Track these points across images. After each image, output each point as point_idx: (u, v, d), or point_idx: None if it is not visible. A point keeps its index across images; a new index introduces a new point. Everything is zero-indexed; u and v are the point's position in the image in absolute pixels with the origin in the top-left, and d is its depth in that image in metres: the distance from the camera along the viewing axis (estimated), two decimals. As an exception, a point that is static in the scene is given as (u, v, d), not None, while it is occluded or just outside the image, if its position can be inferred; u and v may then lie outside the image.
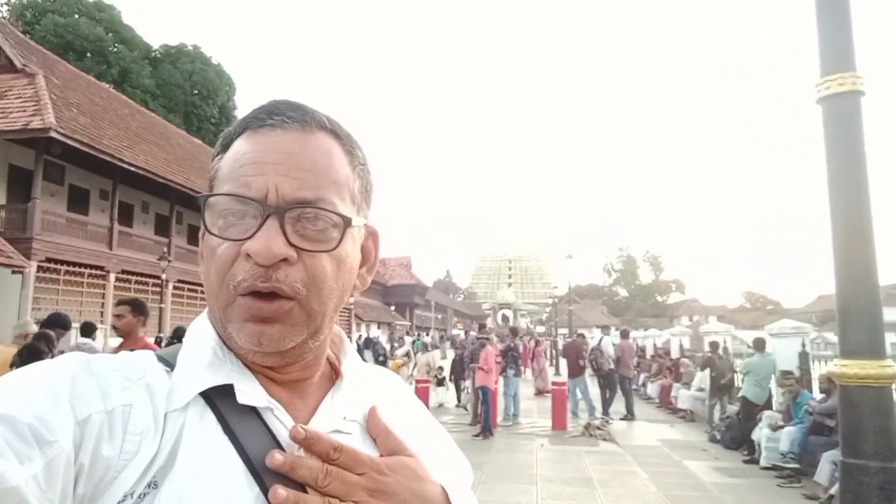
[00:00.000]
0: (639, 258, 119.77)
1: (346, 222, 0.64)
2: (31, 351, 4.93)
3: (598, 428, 11.00)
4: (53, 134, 15.16)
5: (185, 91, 40.59)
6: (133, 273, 20.74)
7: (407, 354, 17.80)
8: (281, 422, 0.64)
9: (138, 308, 4.18)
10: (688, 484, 7.49)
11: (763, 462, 8.14)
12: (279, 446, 0.62)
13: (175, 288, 23.12)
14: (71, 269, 18.08)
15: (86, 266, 18.64)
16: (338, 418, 0.68)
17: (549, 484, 7.30)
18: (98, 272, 19.22)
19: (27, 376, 0.56)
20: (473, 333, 15.42)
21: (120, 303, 4.29)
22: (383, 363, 17.46)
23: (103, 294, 19.49)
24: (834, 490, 6.18)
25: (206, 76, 42.21)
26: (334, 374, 0.73)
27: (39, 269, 16.51)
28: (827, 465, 6.54)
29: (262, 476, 0.59)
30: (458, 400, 14.02)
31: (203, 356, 0.65)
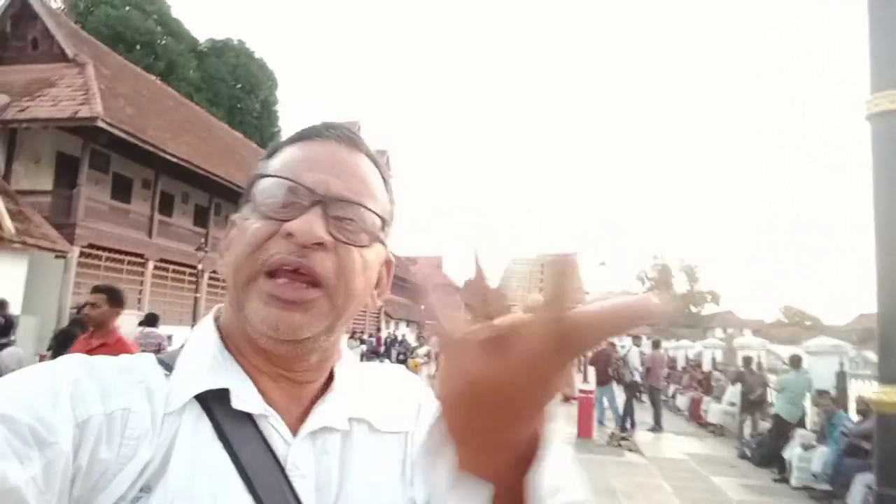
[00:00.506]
0: (673, 267, 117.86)
1: (384, 224, 0.69)
2: (67, 336, 5.07)
3: (624, 438, 10.86)
4: (100, 123, 15.57)
5: (229, 85, 41.34)
6: (171, 262, 21.20)
7: (428, 354, 17.40)
8: (276, 430, 0.64)
9: (115, 297, 3.85)
10: (714, 500, 7.36)
11: (794, 482, 7.93)
12: (273, 455, 0.62)
13: (210, 279, 23.57)
14: (112, 255, 18.56)
15: (126, 253, 19.11)
16: (327, 416, 0.67)
17: (572, 492, 7.24)
18: (137, 259, 19.69)
19: (28, 377, 0.57)
20: None
21: (96, 289, 3.88)
22: (403, 361, 17.41)
23: (142, 281, 19.95)
24: (867, 515, 6.01)
25: (249, 70, 42.92)
26: (329, 376, 0.73)
27: (82, 254, 16.98)
28: (860, 487, 6.36)
29: (256, 485, 0.59)
30: None
31: (202, 359, 0.65)
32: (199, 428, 0.60)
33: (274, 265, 0.62)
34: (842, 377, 9.09)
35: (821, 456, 7.50)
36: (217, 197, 23.58)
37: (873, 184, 2.42)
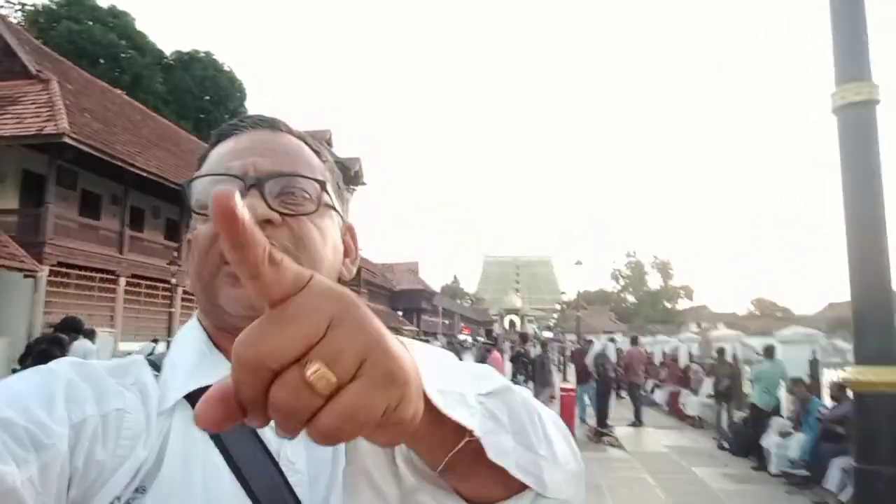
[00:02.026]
0: (647, 264, 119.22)
1: (322, 185, 0.68)
2: (45, 356, 4.98)
3: (606, 434, 10.98)
4: (67, 139, 15.30)
5: (197, 97, 40.89)
6: (143, 277, 20.87)
7: None
8: (268, 425, 0.64)
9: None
10: (696, 491, 7.48)
11: (773, 469, 8.10)
12: (265, 450, 0.62)
13: (185, 293, 23.24)
14: (82, 273, 18.21)
15: (97, 270, 18.76)
16: None
17: (557, 489, 7.29)
18: (109, 276, 19.34)
19: (23, 380, 0.58)
20: (481, 339, 15.51)
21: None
22: None
23: (113, 298, 19.62)
24: (843, 497, 6.17)
25: (217, 82, 42.50)
26: None
27: (51, 273, 16.65)
28: (837, 471, 6.52)
29: (249, 481, 0.59)
30: None
31: (190, 358, 0.66)
32: (191, 426, 0.60)
33: None
34: (815, 365, 9.32)
35: (797, 442, 7.68)
36: (189, 210, 23.20)
37: (841, 176, 2.53)
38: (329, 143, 50.68)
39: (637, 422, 12.64)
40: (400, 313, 54.45)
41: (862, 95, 2.39)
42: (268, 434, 0.63)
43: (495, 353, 11.31)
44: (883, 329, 2.32)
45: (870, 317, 2.34)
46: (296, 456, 0.63)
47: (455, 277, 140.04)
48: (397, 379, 0.36)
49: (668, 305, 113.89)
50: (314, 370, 0.33)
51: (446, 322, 69.80)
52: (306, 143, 0.74)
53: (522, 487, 0.54)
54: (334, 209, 0.72)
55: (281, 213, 0.64)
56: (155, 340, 19.57)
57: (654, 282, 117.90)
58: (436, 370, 0.47)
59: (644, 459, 9.31)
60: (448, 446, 0.49)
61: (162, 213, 23.42)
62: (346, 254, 0.74)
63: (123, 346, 18.13)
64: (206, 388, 0.58)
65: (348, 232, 0.76)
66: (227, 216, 0.32)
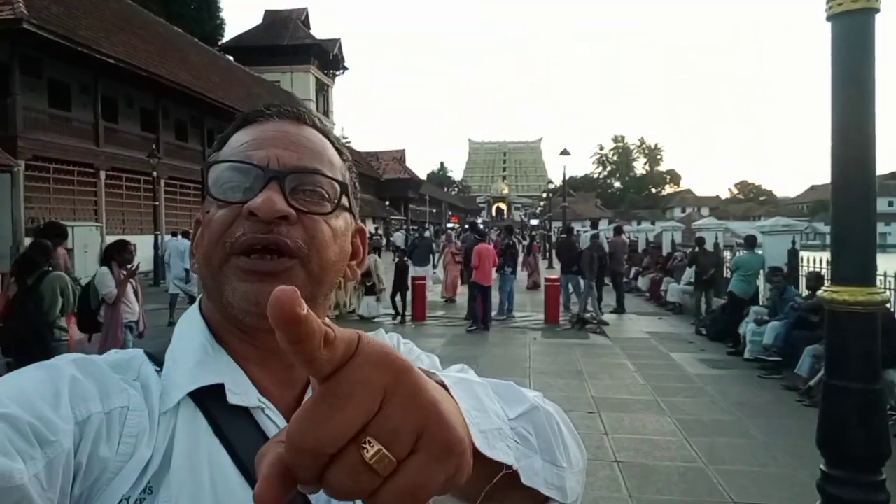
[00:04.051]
0: (634, 148, 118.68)
1: (343, 188, 0.68)
2: (27, 263, 4.94)
3: (588, 322, 11.35)
4: (26, 25, 14.43)
5: (162, -26, 38.21)
6: (123, 170, 20.50)
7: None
8: (272, 420, 0.64)
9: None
10: (673, 375, 7.85)
11: (746, 354, 8.48)
12: None
13: (167, 185, 22.94)
14: (60, 167, 17.82)
15: (74, 164, 18.36)
16: None
17: (541, 376, 7.64)
18: (88, 170, 18.97)
19: (28, 376, 0.57)
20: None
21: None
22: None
23: (95, 192, 19.35)
24: (813, 382, 6.49)
25: (182, -43, 39.63)
26: None
27: (28, 167, 16.27)
28: (808, 358, 6.81)
29: (257, 479, 0.60)
30: (396, 315, 12.12)
31: (192, 354, 0.65)
32: (196, 425, 0.61)
33: (243, 246, 0.62)
34: (793, 254, 9.52)
35: (772, 329, 7.98)
36: (164, 99, 22.45)
37: (832, 86, 2.41)
38: (306, 23, 48.35)
39: (619, 309, 13.04)
40: (387, 203, 54.47)
41: (860, 3, 2.24)
42: (272, 430, 0.63)
43: (481, 246, 11.42)
44: (862, 249, 2.32)
45: (849, 239, 2.33)
46: None
47: (442, 164, 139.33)
48: (454, 449, 0.36)
49: (654, 191, 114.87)
50: (374, 453, 0.33)
51: (433, 211, 70.06)
52: (330, 139, 0.73)
53: (547, 498, 0.56)
54: (349, 211, 0.71)
55: (298, 211, 0.63)
56: (174, 234, 19.32)
57: (640, 167, 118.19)
58: (474, 408, 0.47)
59: (625, 346, 9.69)
60: (485, 480, 0.49)
61: (136, 103, 22.58)
62: (354, 256, 0.74)
63: (111, 240, 18.09)
64: (210, 387, 0.62)
65: (358, 234, 0.75)
66: (289, 322, 0.33)
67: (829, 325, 2.42)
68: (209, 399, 0.62)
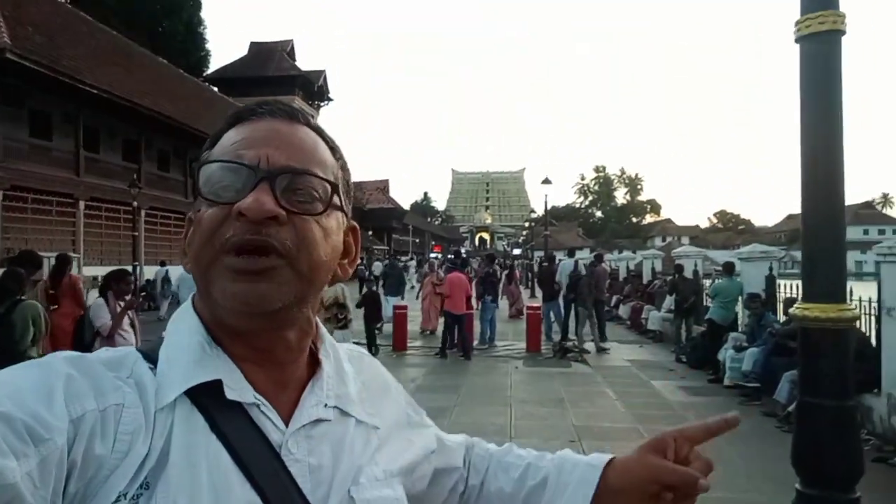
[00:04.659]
0: (615, 179, 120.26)
1: (334, 188, 0.67)
2: (2, 290, 4.86)
3: (570, 350, 11.34)
4: (9, 55, 14.42)
5: (147, 8, 38.54)
6: (103, 200, 20.35)
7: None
8: (268, 418, 0.65)
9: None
10: (654, 403, 7.85)
11: (726, 381, 8.50)
12: (268, 443, 0.63)
13: (148, 215, 22.78)
14: (38, 196, 17.65)
15: (54, 194, 18.20)
16: (319, 408, 0.69)
17: (522, 405, 7.59)
18: (67, 200, 18.80)
19: (21, 374, 0.57)
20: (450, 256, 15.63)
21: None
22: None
23: (74, 223, 19.15)
24: (791, 408, 6.50)
25: (167, -10, 39.99)
26: (313, 361, 0.73)
27: (6, 197, 16.11)
28: (786, 383, 6.84)
29: (254, 474, 0.60)
30: (370, 349, 10.78)
31: (189, 351, 0.65)
32: (193, 422, 0.61)
33: (233, 247, 0.62)
34: (771, 281, 9.63)
35: (750, 356, 8.02)
36: (147, 129, 22.43)
37: (801, 107, 2.48)
38: (291, 55, 48.80)
39: (601, 337, 13.02)
40: (370, 233, 54.44)
41: (827, 25, 2.32)
42: (268, 428, 0.64)
43: (452, 275, 11.47)
44: (833, 267, 2.37)
45: (820, 257, 2.38)
46: (296, 448, 0.65)
47: (425, 194, 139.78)
48: None
49: (635, 220, 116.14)
50: None
51: (417, 240, 70.13)
52: (322, 137, 0.72)
53: None
54: (341, 210, 0.71)
55: (288, 211, 0.63)
56: (162, 263, 19.28)
57: (621, 197, 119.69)
58: None
59: (606, 374, 9.69)
60: None
61: (118, 133, 22.51)
62: (346, 254, 0.74)
63: (88, 271, 17.86)
64: (206, 384, 0.62)
65: (351, 233, 0.75)
66: None
67: (802, 342, 2.45)
68: (206, 397, 0.62)
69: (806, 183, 2.41)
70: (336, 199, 0.68)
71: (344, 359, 0.77)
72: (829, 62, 2.39)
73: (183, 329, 0.67)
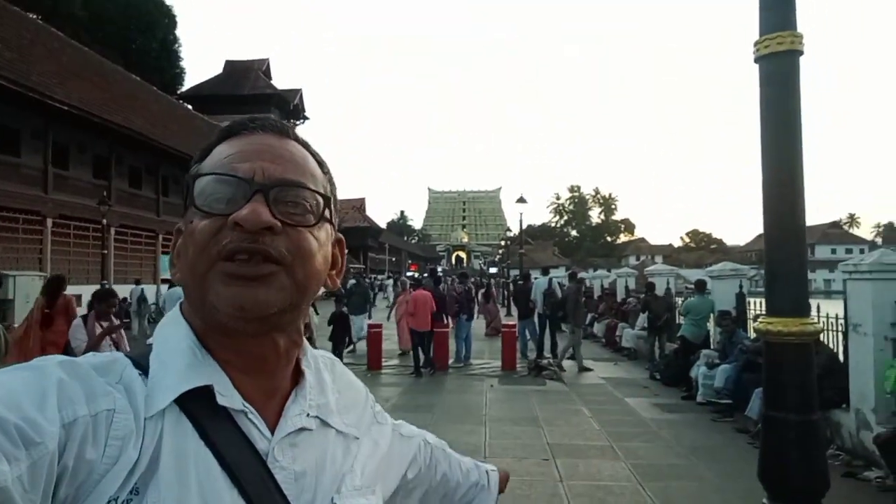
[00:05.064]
0: (589, 198, 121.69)
1: (326, 201, 0.70)
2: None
3: (545, 368, 11.33)
4: (-25, 70, 14.18)
5: (121, 25, 38.29)
6: (72, 218, 19.98)
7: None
8: (255, 425, 0.66)
9: None
10: (628, 420, 7.85)
11: (699, 398, 8.55)
12: (255, 451, 0.64)
13: (118, 233, 22.40)
14: (4, 214, 17.27)
15: (20, 211, 17.83)
16: (302, 417, 0.71)
17: (497, 424, 7.54)
18: (34, 217, 18.43)
19: (14, 377, 0.57)
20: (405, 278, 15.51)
21: None
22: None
23: (41, 240, 18.75)
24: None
25: (142, 8, 39.84)
26: (296, 371, 0.75)
27: (-31, 214, 15.72)
28: (758, 400, 6.89)
29: (242, 481, 0.62)
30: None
31: (181, 356, 0.65)
32: (182, 428, 0.62)
33: (229, 252, 0.63)
34: (741, 298, 9.76)
35: (722, 372, 8.09)
36: (118, 146, 22.14)
37: (761, 126, 2.53)
38: (267, 73, 48.75)
39: (574, 356, 13.03)
40: (346, 251, 54.12)
41: (785, 45, 2.38)
42: (254, 435, 0.65)
43: (417, 292, 11.48)
44: (794, 282, 2.40)
45: (782, 271, 2.41)
46: (282, 455, 0.66)
47: (402, 213, 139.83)
48: None
49: (610, 239, 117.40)
50: None
51: (393, 259, 69.92)
52: (311, 153, 0.75)
53: None
54: (330, 222, 0.73)
55: (283, 223, 0.65)
56: (137, 281, 19.03)
57: (596, 216, 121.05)
58: None
59: (581, 392, 9.69)
60: None
61: (88, 150, 22.17)
62: (333, 265, 0.76)
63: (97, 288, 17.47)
64: (193, 390, 0.63)
65: (338, 245, 0.78)
66: None
67: (766, 356, 2.47)
68: (194, 403, 0.63)
69: (767, 197, 2.45)
70: (327, 212, 0.71)
71: (322, 368, 0.80)
72: (788, 81, 2.44)
73: (173, 335, 0.68)
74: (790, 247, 2.39)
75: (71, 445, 0.55)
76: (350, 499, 0.72)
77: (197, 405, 0.63)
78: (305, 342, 0.77)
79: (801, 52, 2.44)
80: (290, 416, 0.69)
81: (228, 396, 0.65)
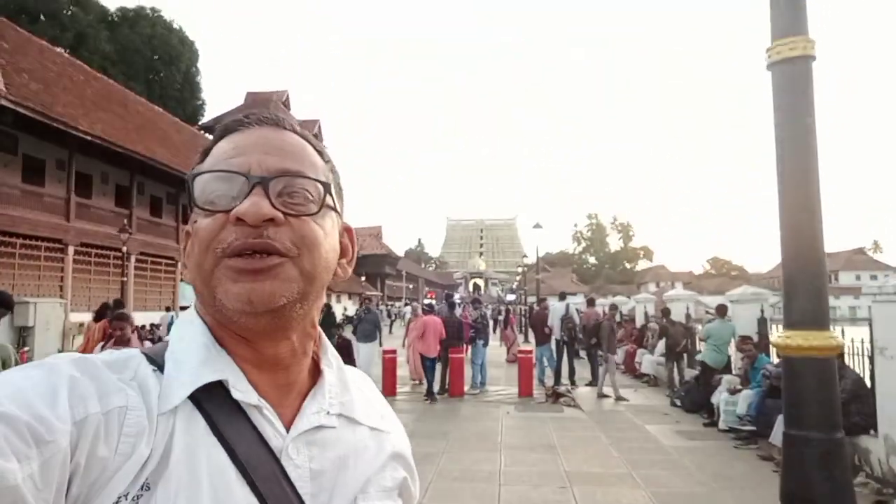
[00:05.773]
0: (607, 225, 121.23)
1: (326, 188, 0.69)
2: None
3: (562, 395, 11.14)
4: (3, 101, 14.54)
5: (145, 57, 39.30)
6: (93, 246, 20.25)
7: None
8: (269, 421, 0.65)
9: None
10: (648, 448, 7.65)
11: (721, 425, 8.33)
12: (268, 447, 0.64)
13: (138, 261, 22.66)
14: (27, 242, 17.56)
15: (42, 239, 18.11)
16: (321, 415, 0.70)
17: (513, 451, 7.38)
18: (56, 245, 18.71)
19: (25, 375, 0.57)
20: (414, 305, 15.33)
21: None
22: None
23: (62, 268, 19.01)
24: (787, 451, 6.35)
25: (167, 41, 40.88)
26: (316, 370, 0.75)
27: (-6, 242, 16.00)
28: (782, 426, 6.69)
29: (254, 478, 0.61)
30: None
31: (196, 352, 0.66)
32: (194, 424, 0.61)
33: (234, 251, 0.62)
34: (763, 323, 9.55)
35: (745, 399, 7.88)
36: (139, 175, 22.52)
37: (775, 134, 2.46)
38: (286, 105, 49.52)
39: (594, 381, 12.83)
40: (363, 278, 54.28)
41: (797, 51, 2.32)
42: (269, 431, 0.65)
43: (425, 318, 11.44)
44: (813, 292, 2.29)
45: (800, 279, 2.31)
46: (297, 453, 0.66)
47: (419, 241, 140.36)
48: None
49: (629, 266, 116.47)
50: None
51: (410, 286, 69.92)
52: (309, 142, 0.75)
53: None
54: (335, 210, 0.73)
55: (284, 213, 0.64)
56: (168, 308, 19.34)
57: (614, 243, 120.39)
58: None
59: (599, 419, 9.48)
60: None
61: (111, 179, 22.59)
62: (343, 254, 0.76)
63: (75, 317, 17.64)
64: (207, 386, 0.63)
65: (346, 233, 0.77)
66: None
67: (785, 372, 2.36)
68: (207, 399, 0.63)
69: (783, 204, 2.37)
70: (329, 200, 0.70)
71: (343, 368, 0.79)
72: (802, 87, 2.38)
73: (189, 332, 0.68)
74: (808, 257, 2.30)
75: (83, 443, 0.54)
76: (375, 500, 0.70)
77: (211, 401, 0.63)
78: (326, 342, 0.77)
79: (814, 58, 2.39)
80: (306, 414, 0.69)
81: (243, 391, 0.64)
